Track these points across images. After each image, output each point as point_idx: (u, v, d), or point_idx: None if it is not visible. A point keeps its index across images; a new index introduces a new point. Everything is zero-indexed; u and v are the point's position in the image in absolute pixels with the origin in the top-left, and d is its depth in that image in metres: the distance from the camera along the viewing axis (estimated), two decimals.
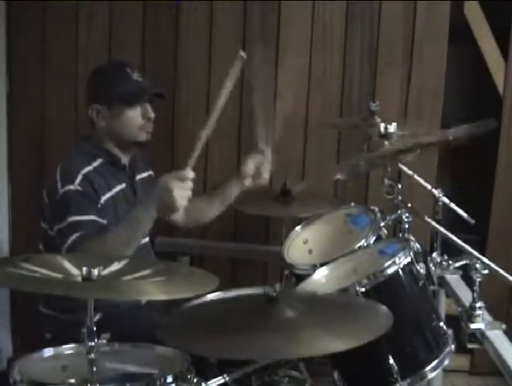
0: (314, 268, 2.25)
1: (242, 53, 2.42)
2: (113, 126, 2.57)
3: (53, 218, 2.46)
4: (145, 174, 2.77)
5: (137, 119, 2.57)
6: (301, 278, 2.25)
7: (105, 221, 2.44)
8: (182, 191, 2.32)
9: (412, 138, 2.40)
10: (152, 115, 2.60)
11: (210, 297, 2.40)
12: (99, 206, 2.46)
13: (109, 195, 2.53)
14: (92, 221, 2.41)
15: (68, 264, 1.78)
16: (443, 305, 2.55)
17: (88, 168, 2.50)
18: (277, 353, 1.78)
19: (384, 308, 1.85)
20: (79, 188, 2.43)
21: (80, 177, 2.45)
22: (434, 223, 2.31)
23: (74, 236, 2.36)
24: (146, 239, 2.70)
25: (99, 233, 2.37)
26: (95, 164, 2.54)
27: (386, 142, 2.27)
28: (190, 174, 2.35)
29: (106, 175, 2.55)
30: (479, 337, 2.04)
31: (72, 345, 1.94)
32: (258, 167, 2.74)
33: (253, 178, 2.76)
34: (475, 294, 2.06)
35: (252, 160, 2.75)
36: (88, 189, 2.44)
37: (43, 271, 1.72)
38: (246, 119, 3.42)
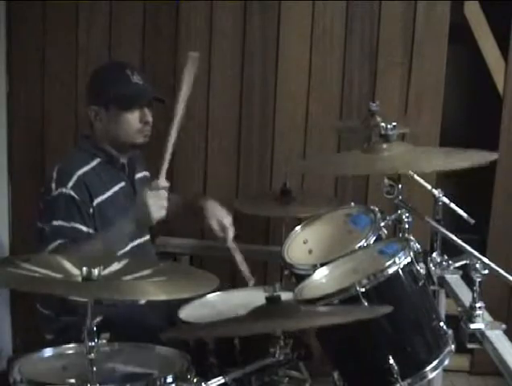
0: (314, 268, 2.25)
1: (194, 53, 2.40)
2: (110, 128, 2.57)
3: (42, 218, 2.47)
4: (141, 175, 2.77)
5: (134, 122, 2.57)
6: (301, 278, 2.24)
7: (90, 229, 2.45)
8: (157, 202, 2.34)
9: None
10: (150, 119, 2.59)
11: (210, 297, 2.41)
12: (91, 210, 2.47)
13: (106, 195, 2.53)
14: (75, 230, 2.41)
15: (68, 264, 1.78)
16: (443, 305, 2.55)
17: (86, 168, 2.50)
18: (274, 326, 1.84)
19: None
20: (71, 192, 2.43)
21: (74, 178, 2.45)
22: (434, 223, 2.30)
23: (54, 244, 2.37)
24: (147, 236, 2.71)
25: (78, 242, 2.38)
26: (93, 163, 2.54)
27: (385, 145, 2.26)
28: (163, 183, 2.36)
29: (104, 175, 2.55)
30: (479, 337, 2.03)
31: (72, 345, 1.95)
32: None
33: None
34: (475, 294, 2.05)
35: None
36: (80, 192, 2.45)
37: (43, 271, 1.72)
38: (246, 118, 3.43)
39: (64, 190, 2.44)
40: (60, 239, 2.38)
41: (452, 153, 2.20)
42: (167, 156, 2.39)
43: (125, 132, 2.56)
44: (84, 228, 2.43)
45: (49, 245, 2.38)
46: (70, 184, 2.44)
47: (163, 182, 2.36)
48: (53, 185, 2.45)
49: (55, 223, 2.41)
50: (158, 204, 2.34)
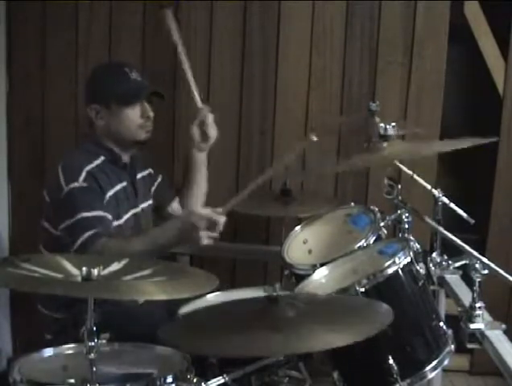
0: (314, 268, 2.26)
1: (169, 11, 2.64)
2: (112, 126, 2.57)
3: (58, 217, 2.46)
4: (145, 173, 2.77)
5: (136, 118, 2.57)
6: (301, 278, 2.25)
7: (110, 216, 2.45)
8: (209, 233, 2.33)
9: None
10: (151, 114, 2.60)
11: (210, 297, 2.41)
12: (104, 202, 2.47)
13: (112, 192, 2.54)
14: (101, 217, 2.41)
15: (68, 264, 1.79)
16: (443, 305, 2.55)
17: (91, 165, 2.51)
18: (277, 350, 1.78)
19: (384, 305, 1.86)
20: (84, 184, 2.43)
21: (84, 174, 2.45)
22: (434, 224, 2.31)
23: (86, 235, 2.35)
24: (150, 201, 2.74)
25: (109, 231, 2.39)
26: (97, 162, 2.54)
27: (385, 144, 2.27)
28: (222, 220, 2.33)
29: (108, 173, 2.56)
30: (479, 337, 2.04)
31: (72, 345, 1.95)
32: (203, 128, 2.72)
33: (202, 140, 2.74)
34: (475, 294, 2.06)
35: (194, 124, 2.73)
36: (93, 185, 2.45)
37: (43, 271, 1.72)
38: (246, 119, 3.43)
39: (76, 184, 2.43)
40: (89, 230, 2.36)
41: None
42: (241, 196, 2.36)
43: (127, 128, 2.57)
44: (107, 215, 2.44)
45: (78, 239, 2.35)
46: (81, 179, 2.44)
47: (222, 219, 2.33)
48: (63, 183, 2.44)
49: (79, 216, 2.39)
50: (208, 235, 2.33)
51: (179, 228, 2.37)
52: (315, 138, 2.32)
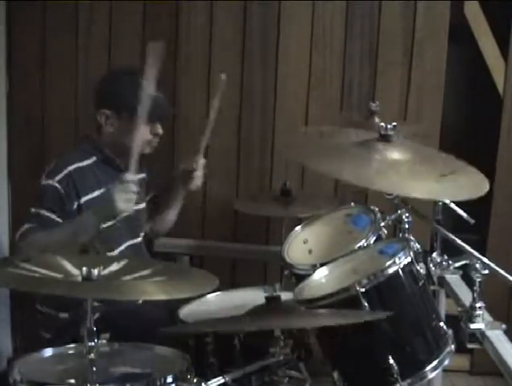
0: (314, 268, 2.26)
1: (223, 76, 2.58)
2: (120, 135, 2.56)
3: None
4: (140, 176, 2.76)
5: (145, 134, 2.56)
6: (301, 278, 2.25)
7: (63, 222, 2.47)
8: (124, 195, 2.36)
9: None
10: (160, 131, 2.61)
11: (210, 297, 2.41)
12: (74, 206, 2.49)
13: (96, 193, 2.55)
14: (48, 218, 2.45)
15: (68, 264, 1.79)
16: (443, 305, 2.55)
17: (79, 164, 2.53)
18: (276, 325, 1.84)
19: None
20: (56, 185, 2.47)
21: (63, 172, 2.49)
22: (434, 224, 2.31)
23: (25, 227, 2.43)
24: (139, 238, 2.72)
25: (46, 229, 2.42)
26: (88, 161, 2.56)
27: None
28: (130, 176, 2.37)
29: (99, 173, 2.58)
30: (479, 337, 2.04)
31: (72, 345, 1.95)
32: (191, 172, 2.75)
33: (184, 181, 2.77)
34: (475, 294, 2.05)
35: (184, 165, 2.77)
36: (66, 187, 2.48)
37: (43, 271, 1.72)
38: (246, 118, 3.43)
39: (50, 182, 2.48)
40: (29, 223, 2.44)
41: (446, 179, 2.14)
42: (136, 150, 2.40)
43: (135, 142, 2.54)
44: (56, 218, 2.46)
45: (21, 227, 2.45)
46: (57, 178, 2.48)
47: (130, 175, 2.37)
48: (43, 176, 2.51)
49: (33, 210, 2.47)
50: (124, 197, 2.36)
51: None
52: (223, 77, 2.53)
